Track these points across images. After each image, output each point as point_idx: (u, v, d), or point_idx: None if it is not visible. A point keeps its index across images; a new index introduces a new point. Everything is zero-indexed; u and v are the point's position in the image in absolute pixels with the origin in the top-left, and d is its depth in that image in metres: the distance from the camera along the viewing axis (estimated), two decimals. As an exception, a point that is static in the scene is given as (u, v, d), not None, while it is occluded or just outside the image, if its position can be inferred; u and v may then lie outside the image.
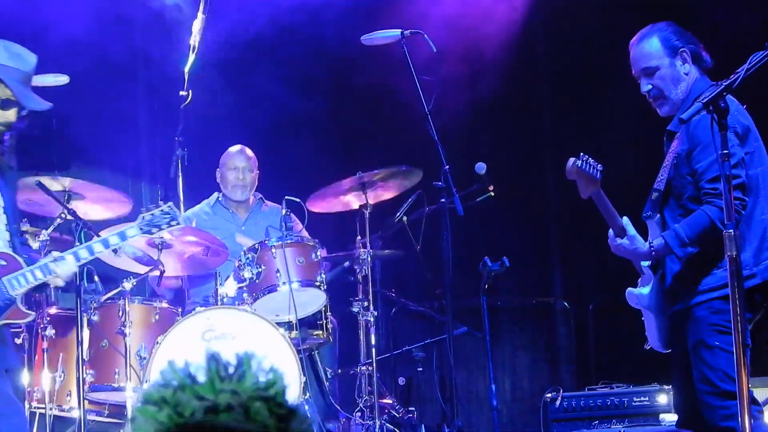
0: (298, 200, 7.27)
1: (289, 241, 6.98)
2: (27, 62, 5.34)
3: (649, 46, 5.46)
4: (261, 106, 8.51)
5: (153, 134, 8.90)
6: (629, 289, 5.56)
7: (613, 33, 7.73)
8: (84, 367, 6.37)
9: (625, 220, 5.32)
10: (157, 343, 6.59)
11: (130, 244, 6.71)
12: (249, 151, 7.90)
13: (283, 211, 7.05)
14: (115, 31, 8.21)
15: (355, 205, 7.30)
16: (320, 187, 7.32)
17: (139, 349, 6.65)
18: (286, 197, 7.18)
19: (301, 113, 8.68)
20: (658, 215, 5.39)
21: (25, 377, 6.53)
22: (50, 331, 6.60)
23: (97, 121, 8.53)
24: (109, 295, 6.83)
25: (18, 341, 6.54)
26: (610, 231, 5.35)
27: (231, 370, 1.99)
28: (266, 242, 6.97)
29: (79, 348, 6.34)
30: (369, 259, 7.09)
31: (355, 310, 7.10)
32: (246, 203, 7.92)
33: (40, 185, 6.56)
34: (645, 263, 5.46)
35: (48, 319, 6.63)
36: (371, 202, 7.24)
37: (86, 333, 6.62)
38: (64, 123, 8.31)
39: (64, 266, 5.41)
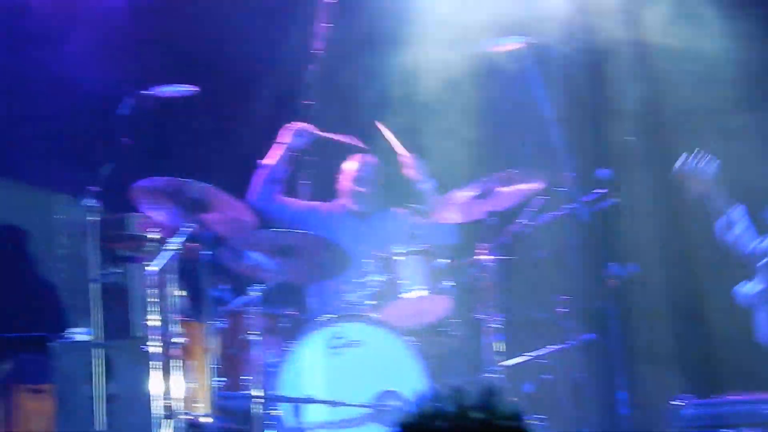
0: (423, 207, 7.28)
1: (415, 248, 7.00)
2: None
3: None
4: (385, 112, 8.51)
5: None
6: (737, 288, 5.49)
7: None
8: (214, 375, 6.45)
9: (739, 211, 5.24)
10: (286, 350, 6.65)
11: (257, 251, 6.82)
12: (371, 161, 7.88)
13: (411, 219, 7.07)
14: (239, 38, 8.28)
15: (478, 212, 7.26)
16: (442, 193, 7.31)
17: (268, 356, 6.70)
18: (412, 204, 7.20)
19: (425, 122, 8.66)
20: None
21: (157, 384, 6.63)
22: (181, 339, 6.68)
23: (223, 131, 8.62)
24: (237, 302, 6.91)
25: (150, 348, 6.63)
26: (720, 221, 5.26)
27: (480, 401, 2.16)
28: (392, 249, 7.00)
29: (209, 355, 6.42)
30: (492, 265, 7.06)
31: (480, 317, 7.07)
32: (368, 210, 7.92)
33: (170, 194, 6.67)
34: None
35: (179, 326, 6.71)
36: (494, 208, 7.20)
37: (215, 340, 6.69)
38: (191, 133, 8.42)
39: None
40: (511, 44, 7.12)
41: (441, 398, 2.17)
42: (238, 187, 7.37)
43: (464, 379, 7.43)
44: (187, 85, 7.04)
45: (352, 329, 6.73)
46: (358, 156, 7.86)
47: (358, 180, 7.82)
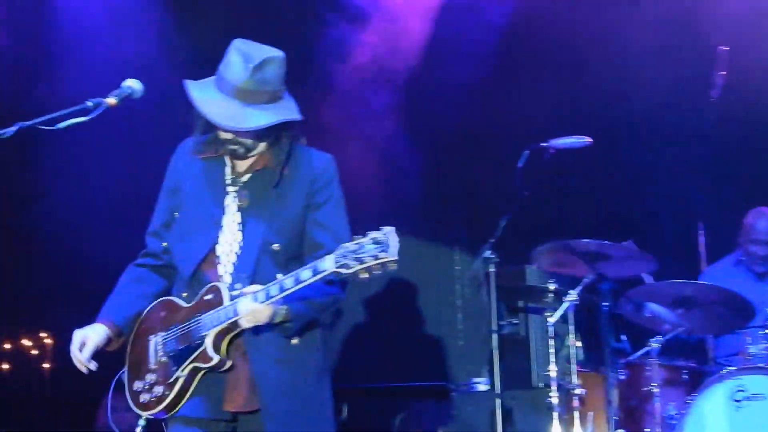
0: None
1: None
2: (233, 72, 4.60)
3: None
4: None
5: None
6: None
7: None
8: (614, 427, 6.43)
9: None
10: (687, 404, 6.55)
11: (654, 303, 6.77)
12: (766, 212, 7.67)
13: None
14: (634, 88, 8.28)
15: None
16: None
17: (669, 409, 6.63)
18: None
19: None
20: None
21: (557, 435, 6.70)
22: (580, 390, 6.70)
23: (616, 182, 8.61)
24: (638, 354, 6.87)
25: (551, 399, 6.68)
26: None
27: None
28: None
29: (609, 407, 6.40)
30: None
31: None
32: (768, 261, 7.72)
33: (567, 246, 6.72)
34: None
35: (578, 377, 6.74)
36: None
37: (615, 392, 6.67)
38: (586, 184, 8.47)
39: (245, 305, 4.47)
40: None
41: None
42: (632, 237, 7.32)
43: None
44: (582, 137, 7.06)
45: (755, 382, 6.54)
46: (755, 210, 7.68)
47: (755, 232, 7.64)
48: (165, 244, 4.83)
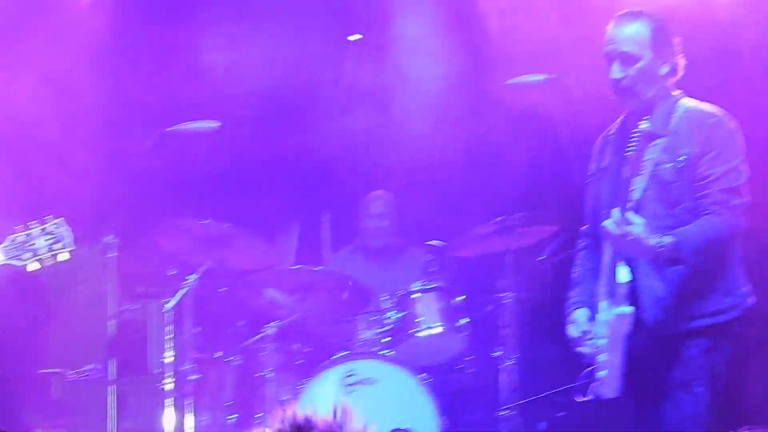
0: (440, 243, 7.25)
1: (429, 286, 6.98)
2: None
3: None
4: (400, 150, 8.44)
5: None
6: (614, 311, 4.83)
7: None
8: (227, 411, 6.45)
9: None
10: (300, 387, 6.65)
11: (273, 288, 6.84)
12: (386, 196, 7.88)
13: (426, 257, 7.06)
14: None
15: (497, 249, 7.22)
16: (460, 231, 7.27)
17: (281, 393, 6.71)
18: (428, 242, 7.18)
19: (439, 156, 8.56)
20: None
21: (170, 421, 6.63)
22: (195, 375, 6.68)
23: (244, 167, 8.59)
24: (253, 339, 6.92)
25: (165, 386, 6.62)
26: (616, 211, 4.64)
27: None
28: (408, 288, 6.98)
29: (224, 392, 6.43)
30: (510, 302, 7.01)
31: (497, 354, 7.03)
32: (385, 248, 7.90)
33: (187, 232, 6.68)
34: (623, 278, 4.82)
35: (194, 363, 6.72)
36: (515, 245, 7.15)
37: (230, 377, 6.69)
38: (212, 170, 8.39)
39: None
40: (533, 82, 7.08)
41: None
42: (261, 224, 7.32)
43: (478, 417, 7.40)
44: (208, 121, 7.01)
45: (365, 367, 6.72)
46: (373, 192, 7.87)
47: (367, 209, 7.84)
48: None
